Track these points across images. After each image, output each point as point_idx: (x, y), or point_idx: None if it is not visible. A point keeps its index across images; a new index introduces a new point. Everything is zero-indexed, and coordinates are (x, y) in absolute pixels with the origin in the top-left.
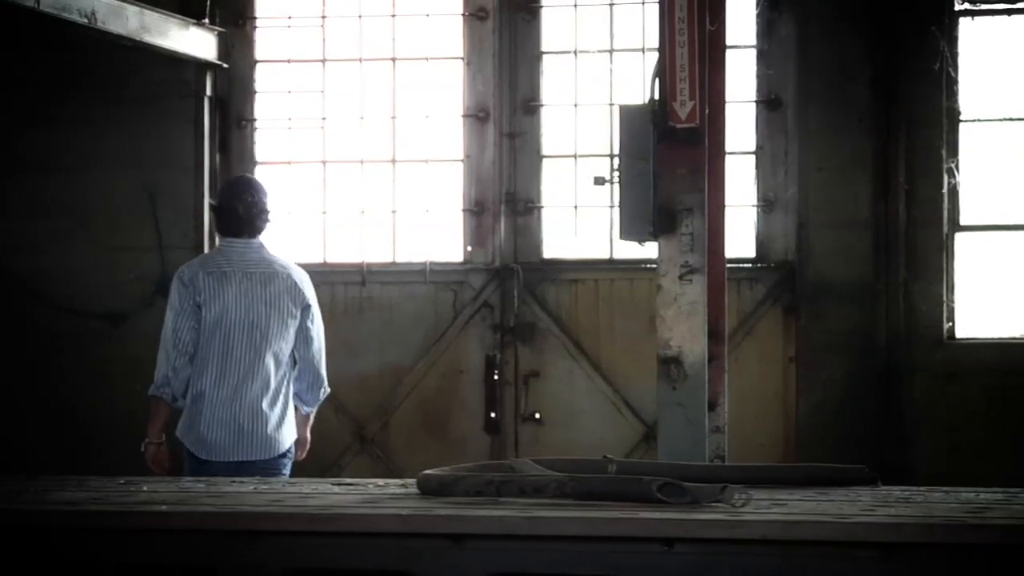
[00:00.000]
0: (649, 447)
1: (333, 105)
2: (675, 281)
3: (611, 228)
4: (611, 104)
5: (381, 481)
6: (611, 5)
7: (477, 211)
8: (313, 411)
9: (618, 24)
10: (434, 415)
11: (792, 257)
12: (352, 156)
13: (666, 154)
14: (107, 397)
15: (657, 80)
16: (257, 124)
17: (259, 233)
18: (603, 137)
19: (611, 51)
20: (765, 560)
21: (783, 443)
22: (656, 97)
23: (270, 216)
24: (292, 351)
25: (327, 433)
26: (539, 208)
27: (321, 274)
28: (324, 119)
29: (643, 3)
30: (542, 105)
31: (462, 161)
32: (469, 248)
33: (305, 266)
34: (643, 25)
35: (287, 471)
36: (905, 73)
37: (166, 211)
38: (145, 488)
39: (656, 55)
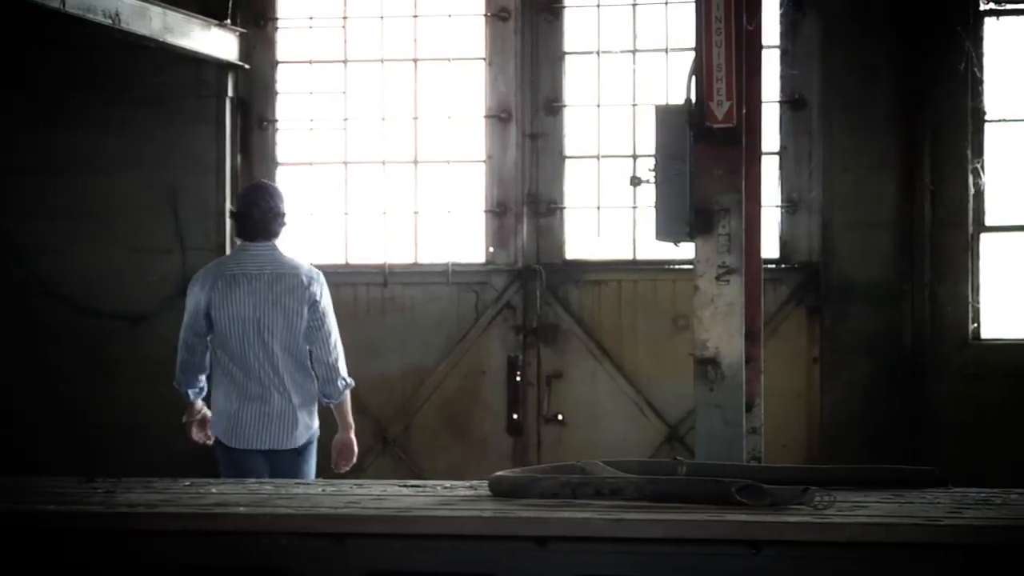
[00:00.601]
0: (672, 448)
1: (355, 106)
2: (712, 282)
3: (634, 229)
4: (634, 105)
5: (448, 483)
6: (634, 5)
7: (499, 212)
8: (342, 402)
9: (641, 24)
10: (456, 416)
11: (816, 258)
12: (374, 157)
13: (703, 154)
14: (125, 397)
15: (693, 80)
16: (278, 125)
17: (274, 237)
18: (626, 138)
19: (634, 51)
20: (856, 564)
21: (807, 444)
22: (692, 97)
23: (286, 220)
24: (309, 346)
25: None
26: (562, 209)
27: (343, 275)
28: (346, 120)
29: (666, 3)
30: (564, 106)
31: (484, 162)
32: (491, 249)
33: (327, 267)
34: (666, 25)
35: (312, 461)
36: (930, 73)
37: (187, 212)
38: (214, 490)
39: (687, 55)
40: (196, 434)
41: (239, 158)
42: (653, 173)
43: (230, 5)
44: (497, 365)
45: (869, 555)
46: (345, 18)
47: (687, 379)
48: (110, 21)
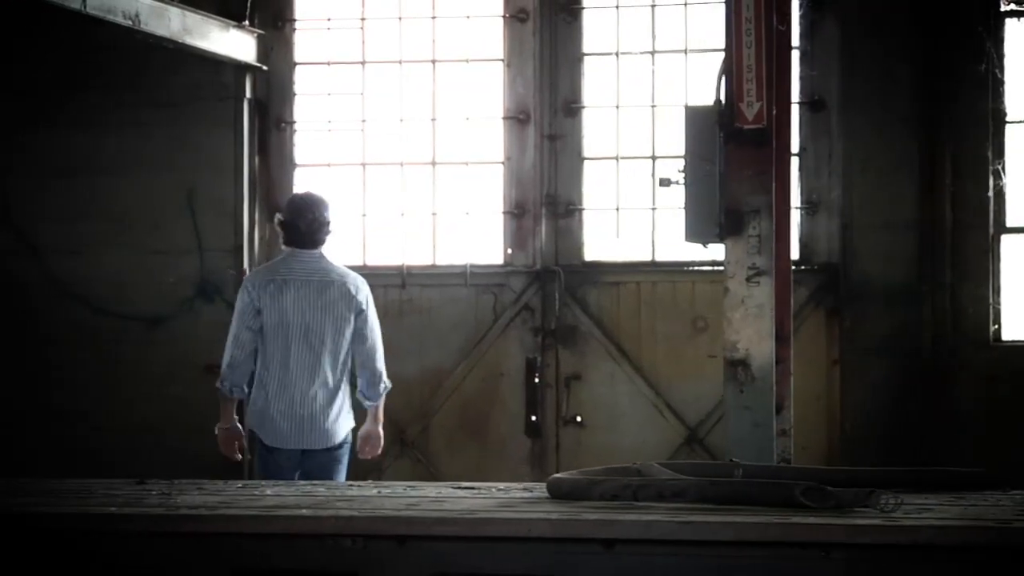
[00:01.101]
0: (691, 450)
1: (373, 107)
2: (742, 283)
3: (653, 230)
4: (653, 106)
5: (502, 485)
6: (653, 6)
7: (518, 213)
8: (378, 404)
9: (660, 25)
10: (474, 418)
11: (836, 259)
12: (392, 158)
13: (733, 155)
14: (142, 399)
15: (722, 80)
16: (296, 126)
17: (319, 245)
18: (645, 139)
19: (653, 52)
20: (929, 567)
21: (827, 446)
22: (722, 98)
23: (331, 228)
24: (350, 351)
25: None
26: (580, 210)
27: (364, 277)
28: (364, 121)
29: (686, 4)
30: (583, 107)
31: (502, 163)
32: (509, 251)
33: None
34: (686, 26)
35: (346, 460)
36: (950, 74)
37: (205, 213)
38: (269, 492)
39: (707, 56)
40: (226, 448)
41: (257, 159)
42: (682, 174)
43: (248, 6)
44: (515, 367)
45: (941, 558)
46: (363, 19)
47: (706, 381)
48: (130, 22)
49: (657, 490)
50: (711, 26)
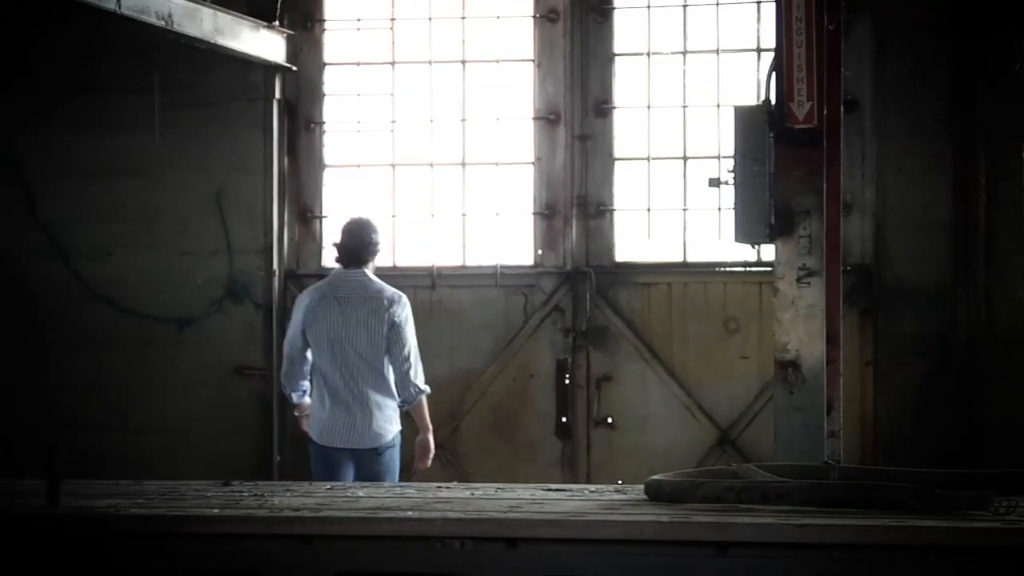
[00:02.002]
0: (723, 452)
1: (402, 107)
2: (792, 284)
3: (684, 231)
4: (684, 106)
5: (593, 487)
6: (685, 6)
7: (548, 214)
8: (418, 407)
9: (692, 25)
10: (504, 420)
11: (869, 260)
12: (422, 159)
13: (783, 155)
14: (171, 401)
15: (772, 80)
16: (326, 127)
17: (364, 264)
18: (677, 139)
19: (684, 52)
20: None
21: (860, 447)
22: (771, 98)
23: (377, 249)
24: (388, 359)
25: None
26: (611, 211)
27: (390, 278)
28: (393, 122)
29: (717, 4)
30: (614, 107)
31: (532, 164)
32: (540, 251)
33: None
34: (718, 26)
35: (394, 460)
36: (984, 74)
37: (234, 214)
38: (361, 493)
39: (739, 56)
40: (305, 426)
41: (286, 160)
42: (731, 174)
43: (278, 7)
44: (546, 368)
45: None
46: (393, 20)
47: (738, 382)
48: (163, 23)
49: (762, 492)
50: (743, 26)
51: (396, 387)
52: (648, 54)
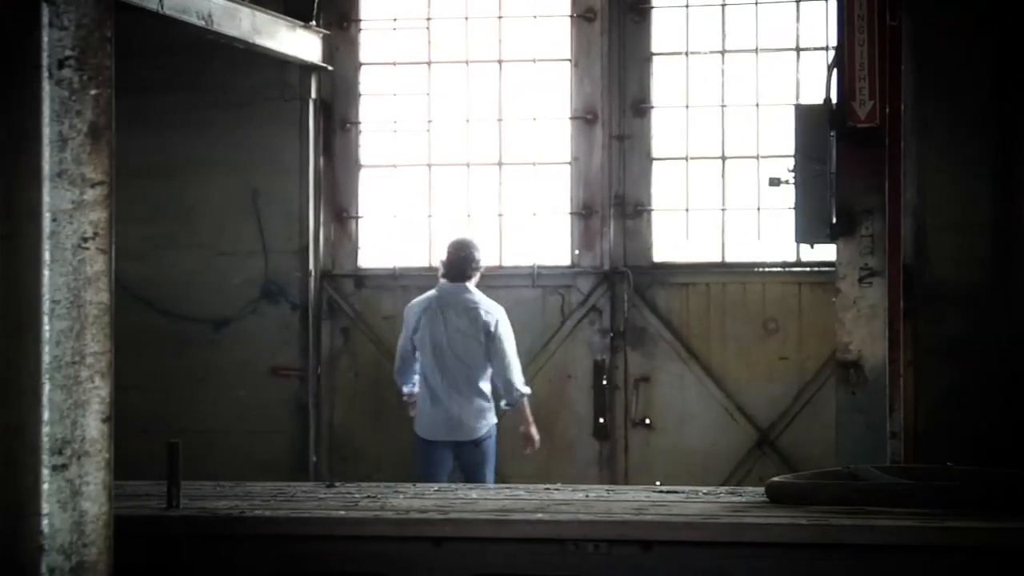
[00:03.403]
0: (762, 453)
1: (438, 107)
2: (854, 284)
3: (723, 231)
4: (723, 106)
5: (705, 489)
6: (723, 5)
7: (585, 214)
8: (521, 408)
9: (731, 24)
10: (542, 420)
11: (909, 260)
12: (458, 159)
13: (845, 154)
14: (206, 402)
15: (833, 78)
16: (362, 127)
17: (466, 279)
18: (715, 139)
19: (723, 52)
20: None
21: (902, 448)
22: (832, 96)
23: (479, 266)
24: (486, 364)
25: None
26: (649, 211)
27: (426, 278)
28: (430, 122)
29: (756, 3)
30: (652, 107)
31: (570, 164)
32: (577, 252)
33: (410, 270)
34: (756, 25)
35: (491, 452)
36: None
37: (270, 215)
38: (475, 495)
39: (778, 55)
40: (413, 412)
41: (322, 160)
42: (792, 174)
43: (315, 6)
44: (583, 369)
45: None
46: (429, 19)
47: (777, 382)
48: (203, 22)
49: (888, 494)
50: (782, 25)
51: (500, 390)
52: (686, 53)
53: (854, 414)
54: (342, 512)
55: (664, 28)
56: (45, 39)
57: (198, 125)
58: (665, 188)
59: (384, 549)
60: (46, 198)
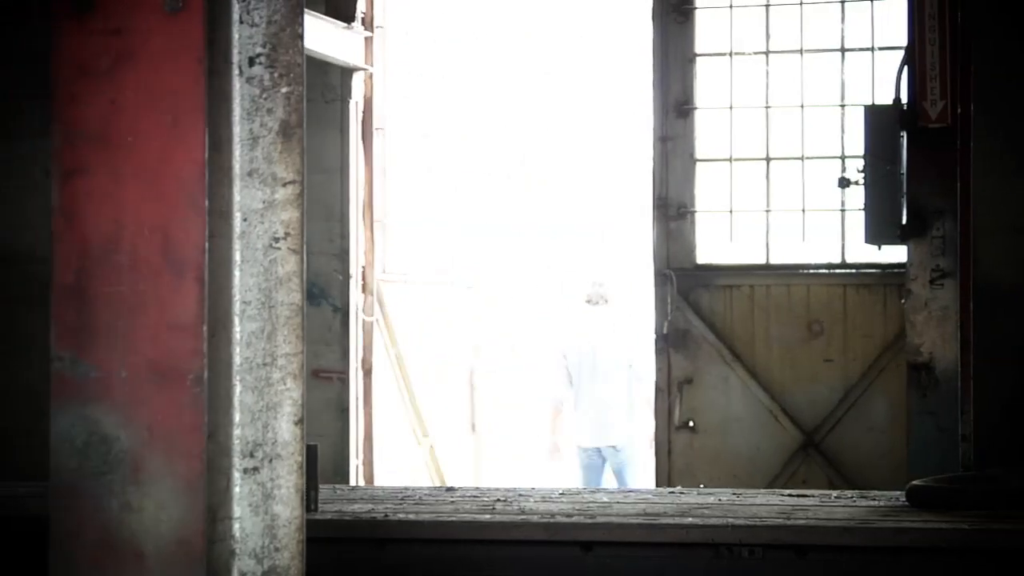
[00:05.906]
0: (807, 456)
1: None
2: (925, 286)
3: (767, 232)
4: (767, 107)
5: (835, 492)
6: (767, 6)
7: None
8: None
9: (775, 25)
10: None
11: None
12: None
13: (916, 156)
14: None
15: (903, 79)
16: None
17: (607, 303)
18: (759, 140)
19: (767, 53)
20: None
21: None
22: (903, 97)
23: (616, 292)
24: (631, 377)
25: None
26: (692, 213)
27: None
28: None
29: (801, 3)
30: (695, 108)
31: None
32: None
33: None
34: (801, 26)
35: (637, 456)
36: None
37: (311, 216)
38: (605, 498)
39: (822, 56)
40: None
41: (362, 162)
42: (862, 175)
43: (356, 8)
44: None
45: None
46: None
47: (822, 385)
48: None
49: None
50: (827, 26)
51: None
52: (730, 54)
53: (924, 417)
54: (488, 516)
55: (707, 29)
56: (235, 36)
57: None
58: (708, 190)
59: (532, 554)
60: (236, 197)
